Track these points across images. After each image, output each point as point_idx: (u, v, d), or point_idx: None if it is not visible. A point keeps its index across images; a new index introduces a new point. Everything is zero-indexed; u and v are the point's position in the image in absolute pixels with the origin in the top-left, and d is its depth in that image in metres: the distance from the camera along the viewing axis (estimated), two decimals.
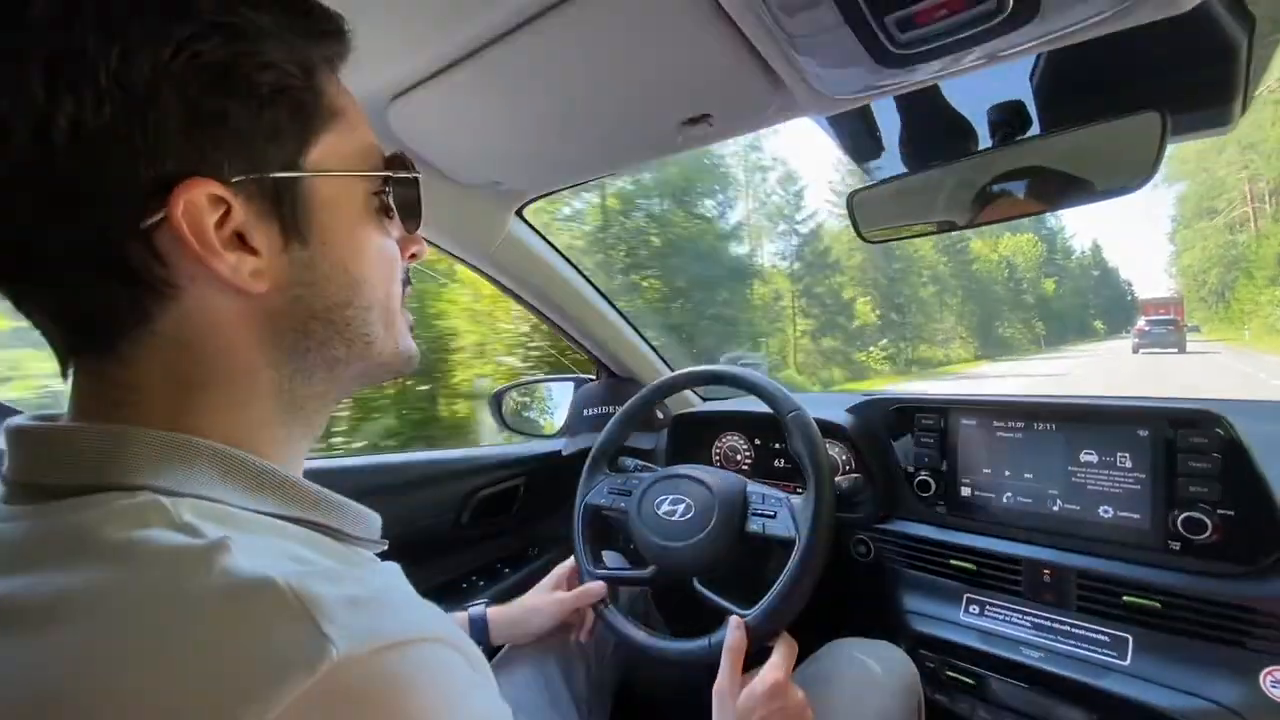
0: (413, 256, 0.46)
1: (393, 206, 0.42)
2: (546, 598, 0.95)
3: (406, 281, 0.46)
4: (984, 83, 0.74)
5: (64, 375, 0.36)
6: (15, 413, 0.38)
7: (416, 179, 0.43)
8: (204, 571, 0.28)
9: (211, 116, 0.32)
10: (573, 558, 1.02)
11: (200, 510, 0.32)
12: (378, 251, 0.41)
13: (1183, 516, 0.80)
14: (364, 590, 0.30)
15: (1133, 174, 0.73)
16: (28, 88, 0.29)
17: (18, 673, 0.25)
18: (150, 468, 0.32)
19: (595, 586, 0.95)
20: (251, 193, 0.34)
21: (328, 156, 0.37)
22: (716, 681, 0.75)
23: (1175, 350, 25.27)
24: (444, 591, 1.22)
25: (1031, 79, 0.76)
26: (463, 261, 1.14)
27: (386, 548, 0.43)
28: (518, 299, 1.27)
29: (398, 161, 0.42)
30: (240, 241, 0.34)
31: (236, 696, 0.25)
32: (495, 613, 0.92)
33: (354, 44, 0.39)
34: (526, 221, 1.14)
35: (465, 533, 1.27)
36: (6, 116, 0.29)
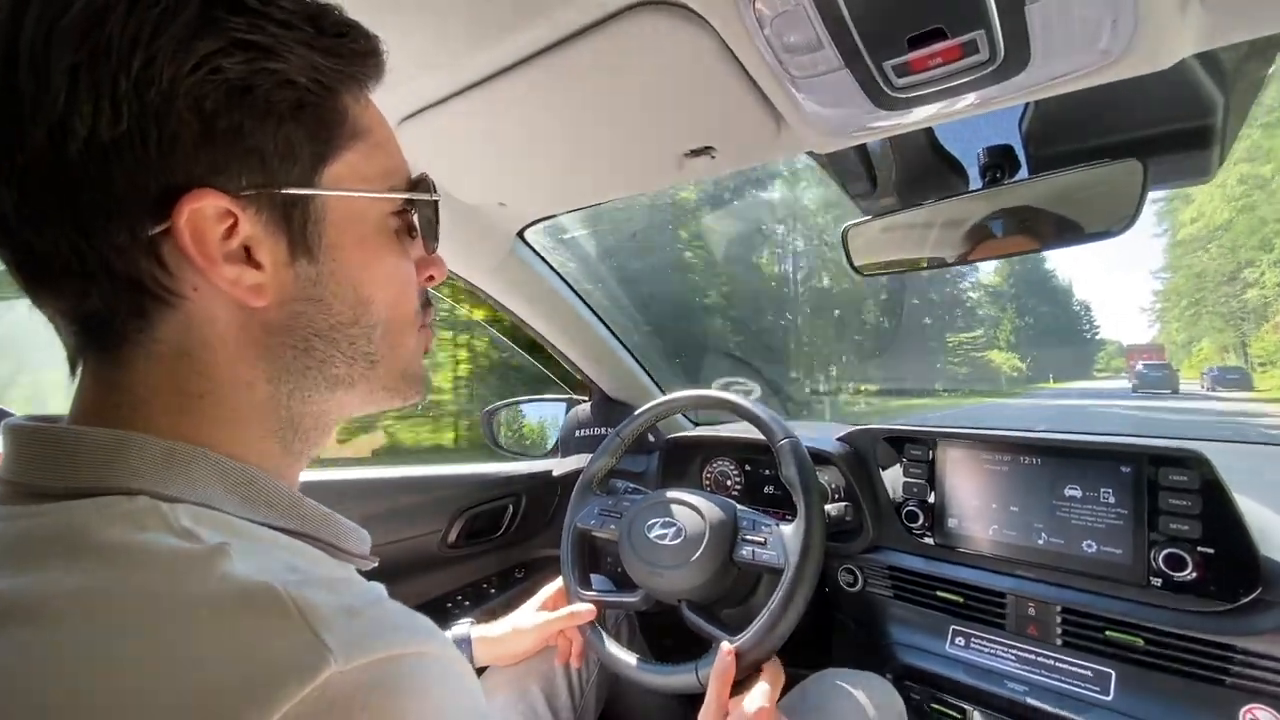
0: (430, 278, 0.46)
1: (415, 226, 0.42)
2: (532, 618, 0.94)
3: (427, 303, 0.45)
4: (976, 126, 0.78)
5: (72, 374, 0.36)
6: (7, 414, 0.38)
7: (436, 202, 0.43)
8: (203, 575, 0.28)
9: (226, 131, 0.32)
10: (560, 579, 1.01)
11: (199, 517, 0.32)
12: (391, 271, 0.41)
13: (1164, 553, 0.81)
14: (360, 601, 0.30)
15: (1115, 218, 0.76)
16: (48, 93, 0.29)
17: (12, 670, 0.25)
18: (150, 473, 0.32)
19: (584, 608, 0.94)
20: (262, 206, 0.34)
21: (345, 175, 0.37)
22: (703, 708, 0.75)
23: (1169, 392, 25.49)
24: (428, 610, 1.17)
25: (1021, 124, 0.79)
26: (463, 280, 1.15)
27: (377, 564, 0.43)
28: (515, 318, 1.28)
29: (420, 184, 0.42)
30: (246, 255, 0.34)
31: (235, 700, 0.24)
32: (479, 632, 0.91)
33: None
34: (528, 243, 1.15)
35: (452, 551, 1.25)
36: (24, 120, 0.29)
